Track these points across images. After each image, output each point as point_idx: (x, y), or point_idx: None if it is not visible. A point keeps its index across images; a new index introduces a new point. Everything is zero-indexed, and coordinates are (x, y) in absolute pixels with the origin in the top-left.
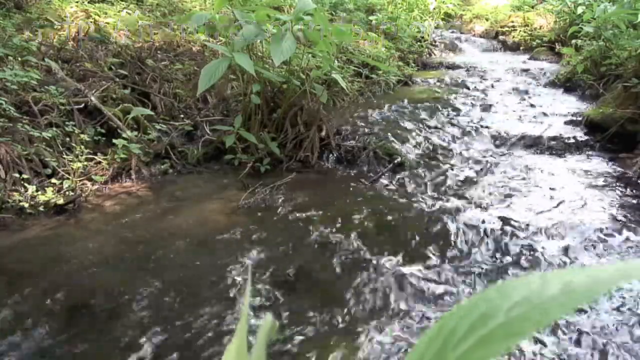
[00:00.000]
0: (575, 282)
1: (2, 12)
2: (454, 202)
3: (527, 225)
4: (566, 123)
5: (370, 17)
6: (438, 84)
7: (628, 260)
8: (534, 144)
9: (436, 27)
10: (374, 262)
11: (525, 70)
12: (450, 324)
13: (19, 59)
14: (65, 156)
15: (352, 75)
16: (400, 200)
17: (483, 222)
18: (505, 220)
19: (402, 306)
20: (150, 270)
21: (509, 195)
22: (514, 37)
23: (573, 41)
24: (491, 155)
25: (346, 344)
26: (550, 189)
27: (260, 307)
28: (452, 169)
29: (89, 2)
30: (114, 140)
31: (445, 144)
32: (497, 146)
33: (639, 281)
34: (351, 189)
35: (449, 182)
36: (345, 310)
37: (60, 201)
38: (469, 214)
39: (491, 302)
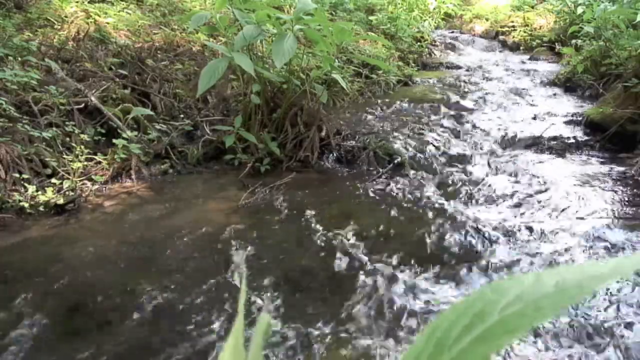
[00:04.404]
0: (569, 279)
1: (2, 12)
2: (453, 202)
3: (527, 224)
4: (566, 123)
5: (370, 17)
6: (438, 84)
7: (620, 257)
8: (534, 143)
9: (436, 27)
10: (374, 262)
11: (525, 70)
12: (446, 323)
13: (19, 59)
14: (65, 156)
15: (352, 75)
16: (400, 200)
17: (483, 222)
18: (504, 220)
19: (402, 307)
20: (150, 270)
21: (509, 195)
22: (514, 37)
23: (573, 41)
24: (491, 155)
25: (345, 344)
26: (550, 188)
27: (258, 306)
28: (452, 169)
29: (89, 2)
30: (114, 140)
31: (444, 144)
32: (497, 146)
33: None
34: (351, 189)
35: (448, 182)
36: (345, 311)
37: (60, 201)
38: (468, 214)
39: (486, 301)
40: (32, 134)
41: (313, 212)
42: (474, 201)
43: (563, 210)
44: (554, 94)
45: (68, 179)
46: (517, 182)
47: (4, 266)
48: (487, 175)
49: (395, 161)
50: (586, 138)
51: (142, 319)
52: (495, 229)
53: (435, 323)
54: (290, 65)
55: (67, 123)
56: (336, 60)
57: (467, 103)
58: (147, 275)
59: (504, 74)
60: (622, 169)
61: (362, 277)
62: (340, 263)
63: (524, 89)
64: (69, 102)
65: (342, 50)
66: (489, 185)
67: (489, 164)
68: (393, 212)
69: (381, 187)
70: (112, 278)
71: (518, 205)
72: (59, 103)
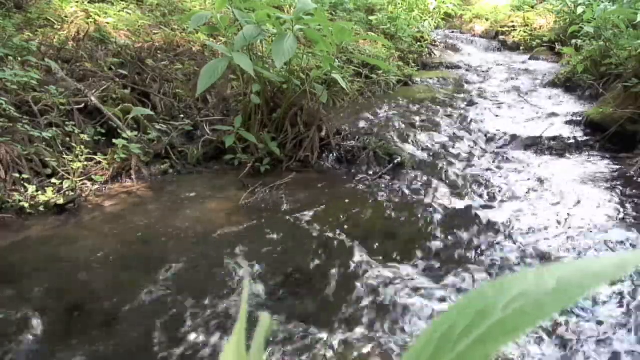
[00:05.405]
0: (571, 276)
1: (2, 12)
2: (453, 202)
3: (527, 224)
4: (566, 123)
5: (370, 17)
6: (438, 84)
7: (623, 253)
8: (533, 144)
9: (436, 27)
10: (374, 262)
11: (525, 70)
12: (447, 322)
13: (19, 59)
14: (65, 156)
15: (352, 75)
16: (400, 200)
17: (483, 222)
18: (505, 220)
19: (402, 307)
20: (150, 270)
21: (508, 195)
22: (514, 37)
23: (573, 41)
24: (490, 155)
25: (344, 344)
26: (550, 188)
27: (259, 306)
28: (452, 169)
29: (89, 2)
30: (114, 140)
31: (445, 144)
32: (496, 146)
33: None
34: (351, 189)
35: (448, 182)
36: (345, 310)
37: (60, 201)
38: (468, 214)
39: (487, 299)
40: (32, 134)
41: (313, 212)
42: (473, 201)
43: (563, 210)
44: (554, 94)
45: (68, 179)
46: (517, 182)
47: (4, 266)
48: (486, 175)
49: (395, 161)
50: (586, 138)
51: (143, 319)
52: (495, 228)
53: (437, 322)
54: (290, 65)
55: (67, 123)
56: (336, 60)
57: (467, 103)
58: (147, 275)
59: (503, 74)
60: (622, 169)
61: (362, 277)
62: (341, 262)
63: (523, 89)
64: (69, 102)
65: (342, 50)
66: (489, 185)
67: (488, 164)
68: (393, 212)
69: (381, 187)
70: (112, 278)
71: (517, 204)
72: (59, 103)
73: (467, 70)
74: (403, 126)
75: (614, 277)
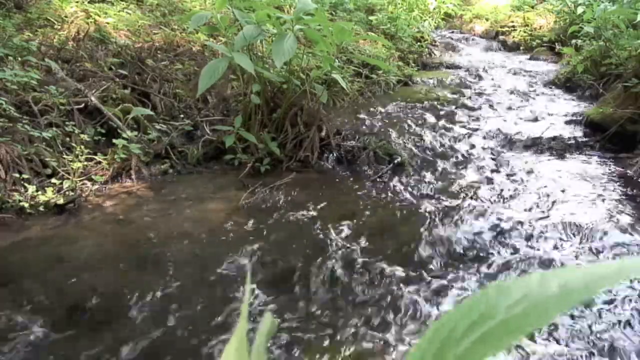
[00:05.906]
0: (574, 280)
1: (2, 12)
2: (453, 202)
3: (527, 225)
4: (566, 123)
5: (370, 17)
6: (438, 84)
7: (625, 258)
8: (533, 144)
9: (436, 27)
10: (374, 262)
11: (525, 70)
12: (450, 322)
13: (19, 59)
14: (65, 156)
15: (352, 75)
16: (399, 200)
17: (483, 222)
18: (505, 221)
19: (401, 307)
20: (150, 270)
21: (509, 195)
22: (514, 37)
23: (573, 41)
24: (491, 155)
25: (344, 345)
26: (550, 189)
27: (260, 306)
28: (452, 169)
29: (89, 2)
30: (114, 140)
31: (445, 144)
32: (496, 146)
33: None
34: (351, 189)
35: (448, 181)
36: (344, 311)
37: (60, 201)
38: (468, 214)
39: (490, 300)
40: (32, 134)
41: (313, 212)
42: (473, 201)
43: (563, 210)
44: (554, 94)
45: (68, 179)
46: (516, 182)
47: (4, 266)
48: (486, 176)
49: (395, 161)
50: (586, 138)
51: (143, 319)
52: (495, 229)
53: (440, 322)
54: (290, 65)
55: (67, 123)
56: (336, 60)
57: (467, 103)
58: (147, 275)
59: (503, 74)
60: (622, 169)
61: (362, 277)
62: (341, 263)
63: (523, 89)
64: (69, 102)
65: (342, 50)
66: (488, 185)
67: (488, 164)
68: (393, 212)
69: (381, 187)
70: (112, 278)
71: (517, 205)
72: (59, 103)
73: (467, 70)
74: (403, 126)
75: (615, 282)
